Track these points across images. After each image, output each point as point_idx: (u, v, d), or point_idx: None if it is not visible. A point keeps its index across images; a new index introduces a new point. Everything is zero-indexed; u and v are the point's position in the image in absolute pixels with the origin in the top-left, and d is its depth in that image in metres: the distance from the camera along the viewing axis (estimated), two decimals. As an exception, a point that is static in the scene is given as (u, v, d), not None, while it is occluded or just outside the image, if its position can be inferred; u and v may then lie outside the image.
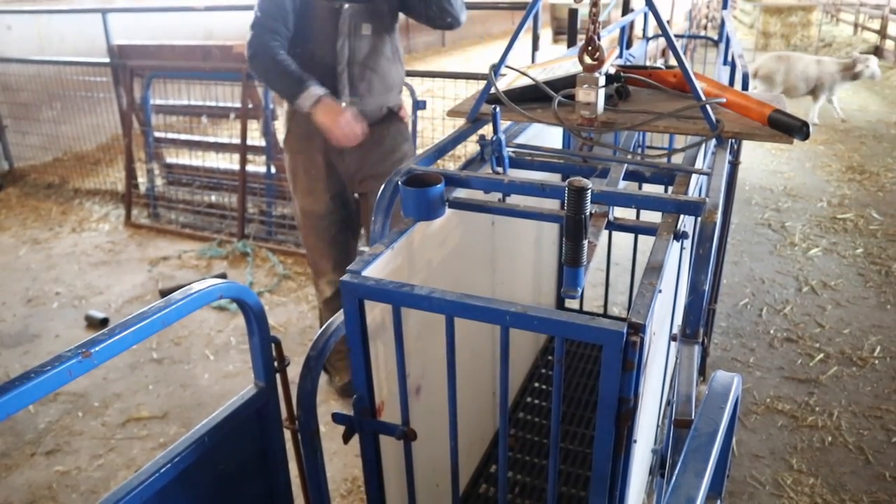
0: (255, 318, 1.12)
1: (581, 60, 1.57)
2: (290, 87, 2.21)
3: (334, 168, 2.48)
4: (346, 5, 2.24)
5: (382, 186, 1.44)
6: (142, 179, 4.91)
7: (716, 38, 3.82)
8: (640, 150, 2.20)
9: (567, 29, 3.44)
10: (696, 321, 1.16)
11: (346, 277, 1.14)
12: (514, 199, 1.59)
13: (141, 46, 4.76)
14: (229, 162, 4.77)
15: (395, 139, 2.51)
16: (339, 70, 2.31)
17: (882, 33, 11.21)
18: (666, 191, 1.71)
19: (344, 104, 2.28)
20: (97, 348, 0.91)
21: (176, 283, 3.75)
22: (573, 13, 3.38)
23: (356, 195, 2.61)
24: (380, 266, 1.24)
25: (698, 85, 1.59)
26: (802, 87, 7.09)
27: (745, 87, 2.19)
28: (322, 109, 2.20)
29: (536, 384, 2.49)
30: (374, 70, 2.37)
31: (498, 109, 1.53)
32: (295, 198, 2.59)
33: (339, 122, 2.21)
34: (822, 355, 3.06)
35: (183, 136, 4.81)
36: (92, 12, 5.28)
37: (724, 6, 3.59)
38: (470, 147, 1.94)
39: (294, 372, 1.20)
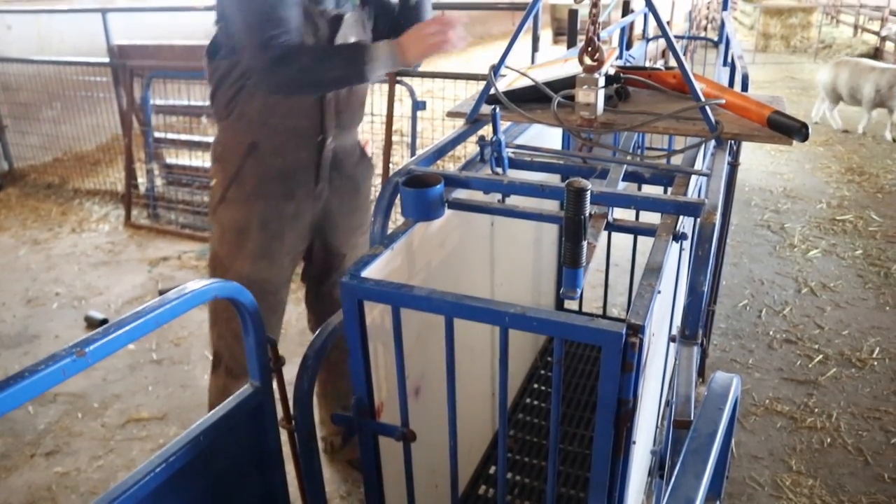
0: (250, 318, 1.12)
1: (581, 61, 1.57)
2: (355, 57, 1.69)
3: (303, 217, 1.94)
4: (349, 13, 1.83)
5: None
6: (141, 180, 4.91)
7: (716, 39, 3.82)
8: (639, 151, 2.20)
9: (567, 30, 3.44)
10: (696, 322, 1.16)
11: (345, 279, 1.14)
12: (514, 200, 1.59)
13: (141, 46, 4.76)
14: (229, 162, 4.76)
15: (368, 183, 2.15)
16: (329, 97, 1.84)
17: (890, 37, 11.22)
18: (665, 192, 1.71)
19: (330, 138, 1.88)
20: (92, 347, 0.91)
21: (176, 284, 3.75)
22: (573, 14, 3.38)
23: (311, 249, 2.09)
24: (379, 267, 1.24)
25: (698, 86, 1.59)
26: (870, 97, 6.54)
27: (744, 88, 2.19)
28: (410, 43, 1.73)
29: (536, 385, 2.49)
30: (357, 94, 1.95)
31: (497, 110, 1.53)
32: (232, 264, 1.91)
33: (439, 34, 1.71)
34: (821, 357, 3.06)
35: (183, 137, 4.81)
36: (92, 12, 5.28)
37: (724, 7, 3.59)
38: (469, 148, 1.94)
39: (292, 374, 1.20)
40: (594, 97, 1.58)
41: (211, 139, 5.01)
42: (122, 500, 0.92)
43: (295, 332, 3.29)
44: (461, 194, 1.49)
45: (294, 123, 1.84)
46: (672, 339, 1.74)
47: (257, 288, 1.72)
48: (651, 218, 1.39)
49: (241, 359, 1.79)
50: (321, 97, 1.82)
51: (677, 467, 0.75)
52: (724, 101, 1.66)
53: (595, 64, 1.56)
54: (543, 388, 2.48)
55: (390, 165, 3.93)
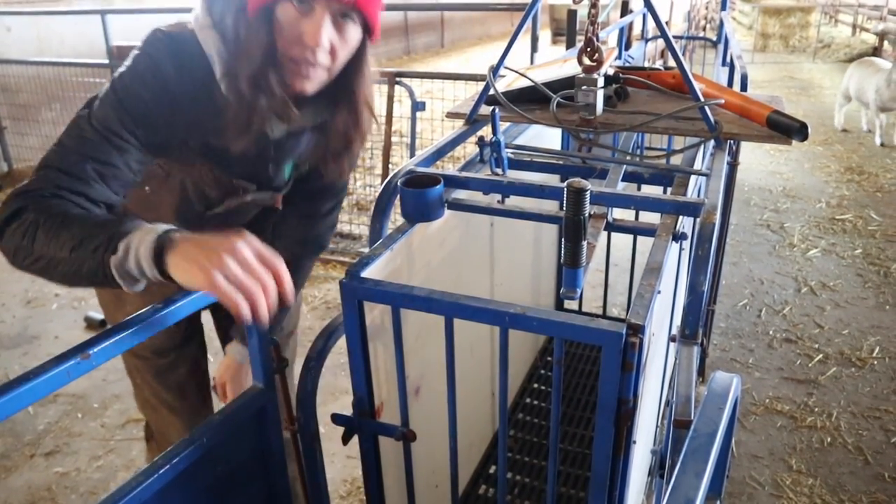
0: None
1: (580, 61, 1.57)
2: (93, 234, 0.96)
3: None
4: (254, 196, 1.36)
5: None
6: (141, 181, 4.91)
7: (714, 39, 3.82)
8: (638, 152, 2.20)
9: (566, 30, 3.45)
10: (696, 322, 1.16)
11: (345, 279, 1.14)
12: (513, 201, 1.59)
13: (140, 48, 4.75)
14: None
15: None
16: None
17: (880, 34, 11.23)
18: (665, 192, 1.71)
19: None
20: (96, 349, 0.91)
21: (175, 285, 3.74)
22: (572, 14, 3.39)
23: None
24: (379, 267, 1.24)
25: (697, 86, 1.59)
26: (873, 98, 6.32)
27: (743, 87, 2.20)
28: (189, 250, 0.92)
29: (536, 385, 2.49)
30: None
31: (497, 110, 1.53)
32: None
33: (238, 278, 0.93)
34: (821, 356, 3.07)
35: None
36: (91, 14, 5.29)
37: (723, 7, 3.60)
38: (469, 148, 1.94)
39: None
40: (593, 97, 1.59)
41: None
42: (126, 501, 0.92)
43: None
44: (461, 195, 1.50)
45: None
46: (672, 338, 1.74)
47: (139, 359, 1.56)
48: (651, 218, 1.39)
49: (169, 433, 1.62)
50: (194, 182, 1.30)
51: (677, 467, 0.75)
52: (723, 101, 1.67)
53: (594, 64, 1.56)
54: (543, 387, 2.48)
55: (390, 166, 3.93)
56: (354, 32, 1.14)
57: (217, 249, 0.89)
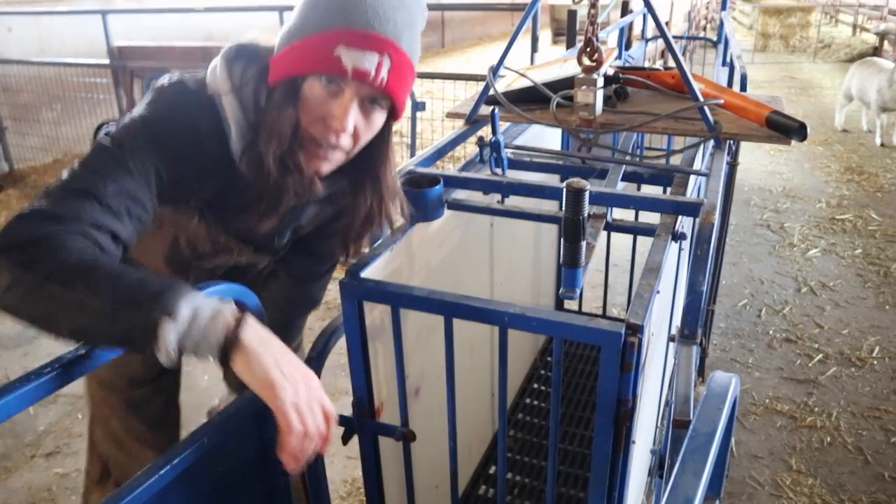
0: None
1: (580, 62, 1.57)
2: (149, 295, 0.83)
3: None
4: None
5: None
6: (141, 181, 4.91)
7: (714, 39, 3.83)
8: (638, 152, 2.20)
9: (566, 30, 3.45)
10: (695, 322, 1.17)
11: (345, 279, 1.15)
12: (513, 201, 1.59)
13: (141, 48, 4.76)
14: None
15: None
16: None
17: (881, 34, 11.23)
18: (664, 192, 1.72)
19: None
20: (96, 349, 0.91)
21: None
22: (572, 14, 3.39)
23: None
24: (379, 267, 1.25)
25: (696, 86, 1.59)
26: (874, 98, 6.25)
27: (743, 88, 2.20)
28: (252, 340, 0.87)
29: (535, 385, 2.49)
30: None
31: (497, 111, 1.53)
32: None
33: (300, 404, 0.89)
34: (820, 356, 3.07)
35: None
36: (92, 14, 5.29)
37: (723, 7, 3.60)
38: (469, 148, 1.94)
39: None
40: (593, 97, 1.59)
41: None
42: (126, 502, 0.93)
43: (295, 332, 3.30)
44: (461, 195, 1.50)
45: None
46: (671, 338, 1.74)
47: (106, 388, 1.46)
48: (650, 218, 1.40)
49: (133, 471, 1.33)
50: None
51: (677, 466, 0.75)
52: (722, 101, 1.67)
53: (594, 64, 1.56)
54: (543, 387, 2.48)
55: (390, 166, 3.93)
56: (380, 117, 1.06)
57: (298, 369, 0.88)
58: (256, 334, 0.86)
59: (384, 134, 1.10)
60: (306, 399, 0.87)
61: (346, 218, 1.20)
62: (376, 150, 1.11)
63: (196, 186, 1.07)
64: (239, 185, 1.07)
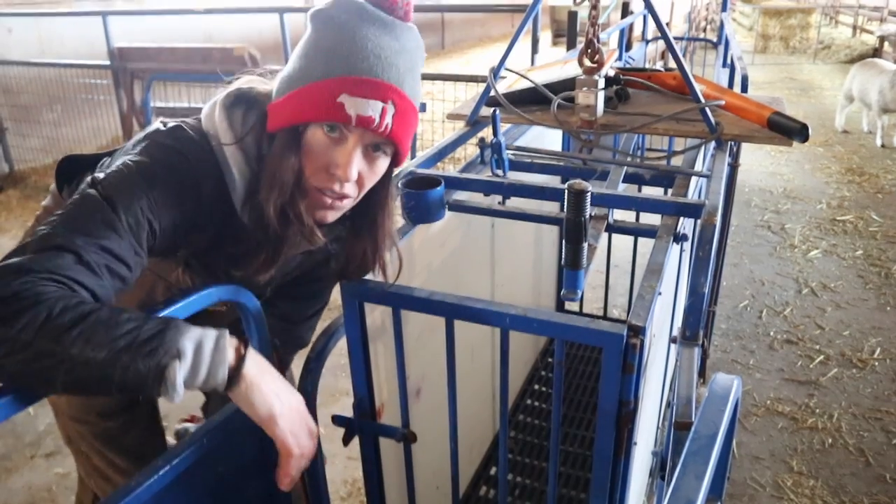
0: (254, 320, 1.12)
1: (580, 63, 1.57)
2: (149, 339, 0.82)
3: None
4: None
5: None
6: (142, 182, 4.91)
7: (715, 40, 3.83)
8: (639, 153, 2.20)
9: (566, 31, 3.45)
10: (696, 323, 1.16)
11: (346, 280, 1.14)
12: (514, 202, 1.59)
13: (141, 49, 4.77)
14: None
15: None
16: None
17: (884, 37, 11.23)
18: (665, 193, 1.71)
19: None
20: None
21: (176, 286, 3.74)
22: (573, 16, 3.39)
23: None
24: (380, 268, 1.24)
25: (697, 87, 1.59)
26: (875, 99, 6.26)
27: (744, 89, 2.20)
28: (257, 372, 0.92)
29: (536, 386, 2.49)
30: None
31: (497, 112, 1.53)
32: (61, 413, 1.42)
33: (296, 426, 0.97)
34: (822, 357, 3.06)
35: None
36: (92, 15, 5.30)
37: (724, 8, 3.60)
38: (470, 150, 1.94)
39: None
40: (594, 99, 1.59)
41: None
42: (126, 502, 0.92)
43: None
44: (461, 196, 1.50)
45: None
46: (673, 340, 1.74)
47: (81, 424, 1.40)
48: (651, 219, 1.39)
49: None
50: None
51: (678, 468, 0.75)
52: (723, 103, 1.67)
53: (595, 66, 1.56)
54: (544, 389, 2.48)
55: (390, 167, 3.93)
56: (383, 163, 1.04)
57: (293, 396, 0.96)
58: (256, 366, 0.90)
59: (385, 180, 1.07)
60: (299, 424, 0.96)
61: (338, 263, 1.16)
62: (376, 196, 1.08)
63: (190, 236, 1.03)
64: (237, 234, 1.04)
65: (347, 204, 1.04)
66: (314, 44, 0.98)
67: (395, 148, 1.02)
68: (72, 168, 1.22)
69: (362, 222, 1.11)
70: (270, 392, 0.91)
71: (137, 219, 0.91)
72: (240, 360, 0.88)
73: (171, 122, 1.03)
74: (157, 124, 1.04)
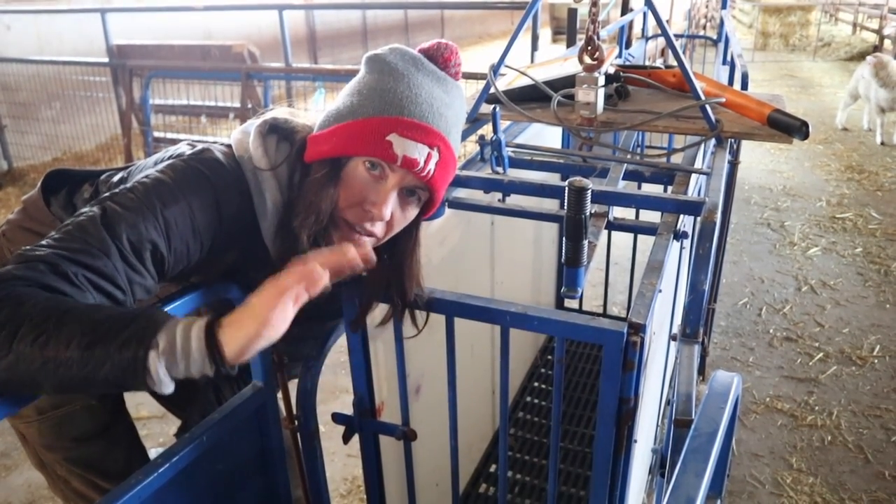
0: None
1: (580, 60, 1.57)
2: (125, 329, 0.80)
3: None
4: None
5: None
6: (141, 179, 4.91)
7: (715, 37, 3.82)
8: (639, 150, 2.20)
9: (566, 28, 3.45)
10: (696, 321, 1.16)
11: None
12: (514, 199, 1.59)
13: (140, 46, 4.76)
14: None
15: None
16: None
17: (880, 33, 11.23)
18: (665, 191, 1.71)
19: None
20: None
21: (175, 283, 3.74)
22: (572, 13, 3.39)
23: None
24: (379, 266, 1.24)
25: (697, 84, 1.59)
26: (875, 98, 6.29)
27: (744, 86, 2.19)
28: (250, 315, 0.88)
29: (536, 384, 2.49)
30: None
31: (497, 109, 1.53)
32: (32, 429, 1.34)
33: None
34: (821, 354, 3.07)
35: (182, 136, 4.81)
36: (91, 12, 5.29)
37: (724, 6, 3.59)
38: (469, 147, 1.94)
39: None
40: (594, 96, 1.58)
41: (211, 139, 5.01)
42: (126, 500, 0.92)
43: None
44: (461, 193, 1.50)
45: None
46: (673, 337, 1.74)
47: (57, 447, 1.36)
48: (651, 217, 1.39)
49: None
50: None
51: (678, 466, 0.75)
52: (724, 100, 1.66)
53: (595, 63, 1.55)
54: (544, 386, 2.48)
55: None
56: (414, 210, 1.05)
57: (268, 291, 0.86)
58: (229, 317, 0.83)
59: (412, 229, 1.09)
60: (308, 265, 0.89)
61: (355, 289, 1.14)
62: (402, 244, 1.09)
63: (207, 260, 1.01)
64: (257, 261, 1.03)
65: (372, 242, 1.04)
66: (368, 84, 1.00)
67: (430, 196, 1.04)
68: (60, 182, 1.22)
69: (387, 271, 1.10)
70: (248, 316, 0.84)
71: (140, 238, 0.89)
72: (211, 323, 0.82)
73: (200, 145, 1.03)
74: (183, 146, 1.04)
